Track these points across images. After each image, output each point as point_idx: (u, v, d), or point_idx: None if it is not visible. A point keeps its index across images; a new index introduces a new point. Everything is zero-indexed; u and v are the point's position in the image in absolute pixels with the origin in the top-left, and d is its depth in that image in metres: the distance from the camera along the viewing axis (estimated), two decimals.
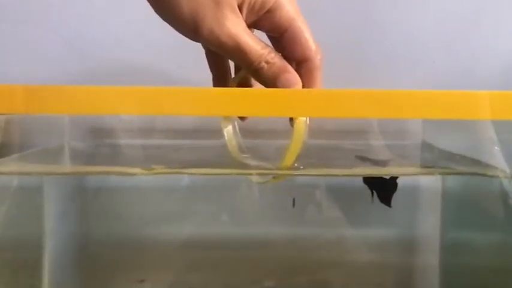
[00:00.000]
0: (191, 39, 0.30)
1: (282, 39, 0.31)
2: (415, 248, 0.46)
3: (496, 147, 0.33)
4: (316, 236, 0.45)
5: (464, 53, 0.49)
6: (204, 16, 0.28)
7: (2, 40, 0.48)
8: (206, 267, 0.44)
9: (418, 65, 0.50)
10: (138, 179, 0.43)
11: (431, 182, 0.44)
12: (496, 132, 0.33)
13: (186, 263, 0.45)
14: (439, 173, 0.42)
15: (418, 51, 0.49)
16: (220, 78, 0.35)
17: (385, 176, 0.40)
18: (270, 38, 0.33)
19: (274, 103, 0.28)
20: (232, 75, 0.36)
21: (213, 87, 0.35)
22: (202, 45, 0.33)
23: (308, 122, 0.30)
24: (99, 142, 0.46)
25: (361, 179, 0.42)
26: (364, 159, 0.41)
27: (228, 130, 0.34)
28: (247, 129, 0.36)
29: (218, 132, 0.35)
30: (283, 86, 0.30)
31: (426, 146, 0.46)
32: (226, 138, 0.33)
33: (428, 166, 0.44)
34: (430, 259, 0.44)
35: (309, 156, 0.45)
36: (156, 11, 0.30)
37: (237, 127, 0.35)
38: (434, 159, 0.44)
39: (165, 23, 0.30)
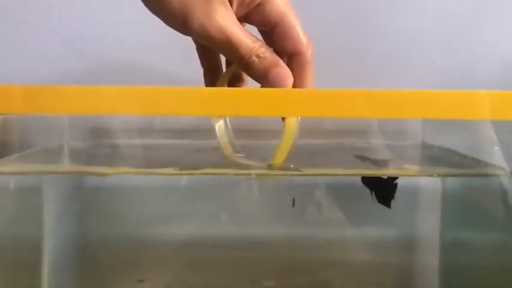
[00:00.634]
0: (181, 33, 0.30)
1: (273, 33, 0.31)
2: (414, 248, 0.46)
3: (496, 147, 0.33)
4: (316, 235, 0.45)
5: (464, 52, 0.49)
6: (194, 9, 0.28)
7: (1, 40, 0.48)
8: (205, 267, 0.44)
9: (418, 65, 0.50)
10: (137, 178, 0.43)
11: (431, 182, 0.44)
12: (496, 132, 0.33)
13: (185, 263, 0.44)
14: (439, 175, 0.42)
15: (418, 51, 0.49)
16: (211, 73, 0.35)
17: (383, 176, 0.40)
18: (261, 32, 0.33)
19: (275, 103, 0.28)
20: (224, 69, 0.36)
21: (213, 88, 0.35)
22: (193, 39, 0.32)
23: (300, 119, 0.30)
24: (99, 142, 0.46)
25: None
26: (363, 159, 0.41)
27: (220, 126, 0.34)
28: (247, 129, 0.36)
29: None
30: (274, 81, 0.30)
31: (426, 146, 0.46)
32: (217, 134, 0.33)
33: (428, 166, 0.44)
34: (429, 259, 0.44)
35: (308, 155, 0.45)
36: (145, 4, 0.30)
37: (228, 123, 0.34)
38: (434, 159, 0.44)
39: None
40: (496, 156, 0.34)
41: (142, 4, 0.30)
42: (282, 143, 0.31)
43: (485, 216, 0.37)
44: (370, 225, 0.45)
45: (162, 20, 0.30)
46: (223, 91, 0.31)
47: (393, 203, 0.41)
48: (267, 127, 0.42)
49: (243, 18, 0.31)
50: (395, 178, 0.40)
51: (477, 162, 0.37)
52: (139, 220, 0.44)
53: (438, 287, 0.44)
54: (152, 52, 0.48)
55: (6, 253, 0.36)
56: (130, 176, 0.42)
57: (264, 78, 0.30)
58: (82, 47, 0.49)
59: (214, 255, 0.44)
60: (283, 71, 0.30)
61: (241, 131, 0.36)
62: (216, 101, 0.28)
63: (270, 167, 0.34)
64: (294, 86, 0.31)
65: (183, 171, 0.37)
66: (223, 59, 0.35)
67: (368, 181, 0.40)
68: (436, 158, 0.44)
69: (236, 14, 0.30)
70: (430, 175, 0.43)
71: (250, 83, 0.33)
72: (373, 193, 0.41)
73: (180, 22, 0.29)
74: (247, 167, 0.35)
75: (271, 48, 0.31)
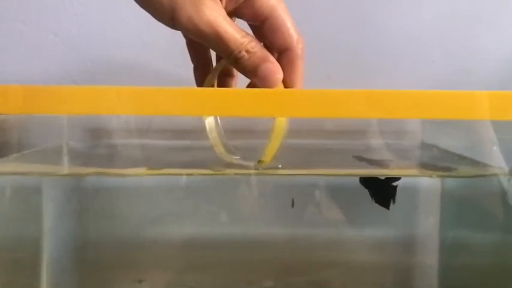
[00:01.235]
0: (169, 27, 0.29)
1: (263, 28, 0.31)
2: (414, 248, 0.46)
3: (495, 147, 0.33)
4: (315, 236, 0.45)
5: (463, 53, 0.49)
6: (183, 3, 0.28)
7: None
8: (205, 267, 0.44)
9: (417, 65, 0.50)
10: (136, 179, 0.43)
11: (430, 182, 0.44)
12: (495, 132, 0.33)
13: (184, 263, 0.44)
14: (437, 176, 0.42)
15: (417, 51, 0.49)
16: (201, 68, 0.35)
17: (380, 177, 0.40)
18: (252, 27, 0.32)
19: (276, 103, 0.28)
20: (214, 65, 0.35)
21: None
22: (183, 34, 0.32)
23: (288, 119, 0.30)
24: (98, 142, 0.46)
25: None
26: (360, 159, 0.41)
27: (210, 121, 0.34)
28: (247, 129, 0.36)
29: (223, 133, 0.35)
30: (264, 76, 0.30)
31: (425, 146, 0.46)
32: (207, 129, 0.33)
33: (427, 167, 0.44)
34: (429, 259, 0.44)
35: (306, 156, 0.45)
36: None
37: (219, 120, 0.34)
38: (433, 159, 0.44)
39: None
40: (495, 156, 0.34)
41: None
42: (271, 141, 0.31)
43: (484, 216, 0.37)
44: (370, 225, 0.45)
45: (150, 14, 0.29)
46: (219, 92, 0.31)
47: (392, 203, 0.41)
48: (266, 127, 0.42)
49: (232, 13, 0.31)
50: (394, 180, 0.40)
51: (476, 163, 0.37)
52: (139, 220, 0.44)
53: (437, 286, 0.44)
54: (151, 52, 0.48)
55: (5, 253, 0.36)
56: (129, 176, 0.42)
57: (254, 74, 0.30)
58: (80, 47, 0.49)
59: (214, 255, 0.44)
60: (272, 66, 0.30)
61: (240, 131, 0.36)
62: (212, 101, 0.28)
63: (257, 165, 0.33)
64: (284, 81, 0.31)
65: (180, 172, 0.37)
66: (213, 54, 0.35)
67: (366, 182, 0.40)
68: (435, 158, 0.44)
69: (226, 9, 0.30)
70: (429, 175, 0.43)
71: (240, 79, 0.33)
72: (371, 194, 0.41)
73: (168, 16, 0.28)
74: (237, 165, 0.35)
75: (262, 43, 0.31)
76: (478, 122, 0.32)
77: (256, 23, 0.31)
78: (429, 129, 0.45)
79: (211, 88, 0.34)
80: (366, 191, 0.41)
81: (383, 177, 0.39)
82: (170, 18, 0.28)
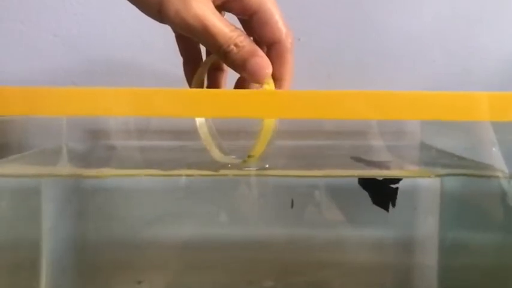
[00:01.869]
0: (157, 21, 0.29)
1: (252, 22, 0.31)
2: (413, 249, 0.46)
3: (494, 148, 0.33)
4: (314, 236, 0.45)
5: (464, 53, 0.49)
6: None
7: None
8: (204, 268, 0.44)
9: (418, 65, 0.50)
10: (135, 179, 0.43)
11: (429, 183, 0.44)
12: (495, 133, 0.33)
13: (183, 264, 0.44)
14: (436, 175, 0.42)
15: (418, 51, 0.49)
16: (191, 63, 0.35)
17: (378, 178, 0.39)
18: (241, 20, 0.32)
19: (275, 104, 0.28)
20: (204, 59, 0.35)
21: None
22: (172, 28, 0.32)
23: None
24: (97, 143, 0.46)
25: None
26: (359, 160, 0.41)
27: (201, 120, 0.33)
28: (245, 130, 0.36)
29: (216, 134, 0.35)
30: (253, 70, 0.29)
31: (424, 147, 0.46)
32: (197, 123, 0.33)
33: (426, 167, 0.44)
34: (428, 259, 0.44)
35: (305, 156, 0.45)
36: None
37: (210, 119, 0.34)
38: (432, 160, 0.44)
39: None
40: (494, 157, 0.34)
41: None
42: (261, 136, 0.31)
43: (484, 217, 0.37)
44: (369, 226, 0.45)
45: (138, 7, 0.29)
46: (220, 92, 0.31)
47: (392, 206, 0.41)
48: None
49: (221, 7, 0.30)
50: (393, 181, 0.40)
51: (476, 164, 0.37)
52: (138, 221, 0.44)
53: (436, 287, 0.44)
54: (151, 53, 0.48)
55: (5, 254, 0.36)
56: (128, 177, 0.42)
57: (242, 68, 0.30)
58: (79, 47, 0.48)
59: (213, 256, 0.44)
60: (261, 60, 0.30)
61: (236, 132, 0.36)
62: (213, 102, 0.28)
63: (247, 160, 0.33)
64: (273, 76, 0.31)
65: (179, 173, 0.37)
66: (204, 48, 0.35)
67: (364, 183, 0.40)
68: (435, 159, 0.44)
69: (214, 2, 0.29)
70: (427, 176, 0.43)
71: (231, 73, 0.33)
72: (370, 195, 0.41)
73: (155, 10, 0.28)
74: (226, 162, 0.35)
75: (251, 38, 0.31)
76: (477, 123, 0.32)
77: (245, 16, 0.31)
78: (428, 130, 0.45)
79: (214, 90, 0.34)
80: (366, 192, 0.41)
81: (381, 178, 0.39)
82: (157, 12, 0.28)
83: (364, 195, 0.41)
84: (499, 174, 0.34)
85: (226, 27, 0.29)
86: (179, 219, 0.44)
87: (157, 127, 0.45)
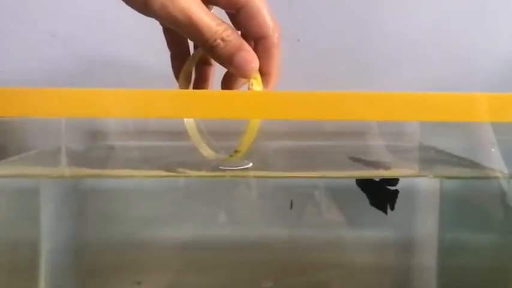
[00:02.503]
0: (143, 14, 0.29)
1: (239, 16, 0.30)
2: (412, 249, 0.46)
3: (494, 149, 0.33)
4: (314, 237, 0.45)
5: (463, 53, 0.49)
6: None
7: None
8: (203, 269, 0.44)
9: (417, 65, 0.49)
10: (134, 180, 0.43)
11: (429, 184, 0.44)
12: (494, 134, 0.33)
13: (183, 264, 0.44)
14: (435, 176, 0.42)
15: (417, 52, 0.49)
16: (179, 57, 0.34)
17: (375, 179, 0.39)
18: (228, 15, 0.32)
19: (275, 105, 0.28)
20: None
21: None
22: (159, 22, 0.32)
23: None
24: (96, 144, 0.46)
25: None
26: (357, 161, 0.40)
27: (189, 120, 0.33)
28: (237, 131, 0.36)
29: (216, 134, 0.35)
30: (239, 64, 0.29)
31: (424, 148, 0.46)
32: (184, 119, 0.33)
33: (425, 168, 0.44)
34: (427, 260, 0.44)
35: (304, 157, 0.45)
36: None
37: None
38: (432, 161, 0.44)
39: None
40: (494, 158, 0.34)
41: None
42: (245, 136, 0.31)
43: (483, 218, 0.37)
44: (369, 227, 0.45)
45: (124, 1, 0.29)
46: (220, 93, 0.30)
47: (390, 209, 0.41)
48: (264, 128, 0.42)
49: (208, 1, 0.30)
50: (390, 182, 0.39)
51: (475, 164, 0.37)
52: (137, 222, 0.44)
53: None
54: (151, 53, 0.48)
55: (3, 255, 0.36)
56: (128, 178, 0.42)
57: (229, 62, 0.29)
58: (78, 48, 0.48)
59: (212, 257, 0.44)
60: (248, 54, 0.29)
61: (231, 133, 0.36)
62: (214, 103, 0.28)
63: (230, 158, 0.33)
64: (260, 70, 0.31)
65: (178, 174, 0.37)
66: (192, 42, 0.34)
67: (362, 184, 0.40)
68: (434, 159, 0.44)
69: None
70: (427, 177, 0.43)
71: (218, 67, 0.33)
72: (368, 196, 0.41)
73: (141, 2, 0.28)
74: (213, 158, 0.35)
75: (239, 32, 0.30)
76: (477, 124, 0.32)
77: (232, 10, 0.31)
78: (427, 131, 0.45)
79: (216, 90, 0.34)
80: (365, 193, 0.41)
81: (378, 179, 0.39)
82: (143, 4, 0.28)
83: (364, 196, 0.41)
84: (499, 174, 0.34)
85: (212, 21, 0.28)
86: (178, 220, 0.44)
87: (156, 127, 0.45)
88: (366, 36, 0.49)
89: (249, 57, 0.29)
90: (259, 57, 0.30)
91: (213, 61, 0.35)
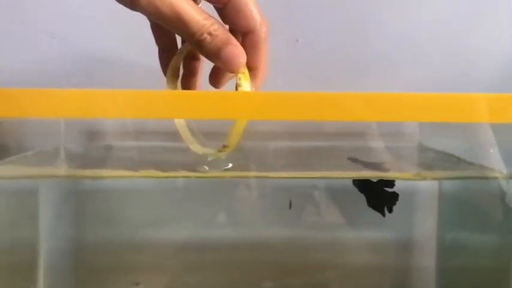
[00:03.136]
0: (129, 8, 0.29)
1: (226, 9, 0.30)
2: (412, 250, 0.46)
3: (493, 150, 0.33)
4: (313, 237, 0.45)
5: (462, 55, 0.49)
6: None
7: None
8: (202, 269, 0.44)
9: (417, 65, 0.49)
10: (133, 181, 0.43)
11: (428, 184, 0.44)
12: (494, 134, 0.33)
13: (181, 265, 0.44)
14: (433, 178, 0.42)
15: (417, 52, 0.49)
16: (167, 51, 0.34)
17: (372, 179, 0.39)
18: (216, 9, 0.32)
19: (274, 105, 0.28)
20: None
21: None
22: (147, 17, 0.31)
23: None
24: (95, 144, 0.46)
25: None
26: (355, 161, 0.40)
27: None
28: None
29: (215, 135, 0.34)
30: (226, 59, 0.29)
31: (423, 149, 0.46)
32: (175, 121, 0.33)
33: (424, 169, 0.44)
34: (427, 261, 0.44)
35: (303, 157, 0.45)
36: None
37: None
38: (431, 161, 0.44)
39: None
40: (493, 158, 0.34)
41: None
42: (233, 131, 0.31)
43: (482, 218, 0.37)
44: (368, 227, 0.45)
45: None
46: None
47: (388, 211, 0.41)
48: (266, 128, 0.42)
49: None
50: (389, 185, 0.39)
51: (474, 165, 0.37)
52: (136, 222, 0.44)
53: None
54: (150, 53, 0.48)
55: (2, 256, 0.36)
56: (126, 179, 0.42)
57: (216, 57, 0.29)
58: (77, 49, 0.48)
59: (211, 257, 0.44)
60: (235, 49, 0.29)
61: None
62: (214, 103, 0.28)
63: (219, 153, 0.33)
64: (247, 65, 0.30)
65: (176, 174, 0.37)
66: (179, 37, 0.34)
67: (359, 184, 0.40)
68: (433, 160, 0.44)
69: None
70: (424, 178, 0.43)
71: (206, 62, 0.32)
72: (366, 197, 0.40)
73: None
74: (203, 154, 0.35)
75: (226, 26, 0.30)
76: (476, 124, 0.32)
77: (219, 4, 0.31)
78: (427, 131, 0.45)
79: (216, 91, 0.34)
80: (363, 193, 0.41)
81: (375, 180, 0.39)
82: (130, 0, 0.28)
83: (363, 196, 0.41)
84: (498, 175, 0.34)
85: (199, 15, 0.28)
86: (177, 220, 0.44)
87: (155, 128, 0.44)
88: (365, 36, 0.49)
89: (236, 51, 0.29)
90: (246, 52, 0.30)
91: (200, 56, 0.35)
